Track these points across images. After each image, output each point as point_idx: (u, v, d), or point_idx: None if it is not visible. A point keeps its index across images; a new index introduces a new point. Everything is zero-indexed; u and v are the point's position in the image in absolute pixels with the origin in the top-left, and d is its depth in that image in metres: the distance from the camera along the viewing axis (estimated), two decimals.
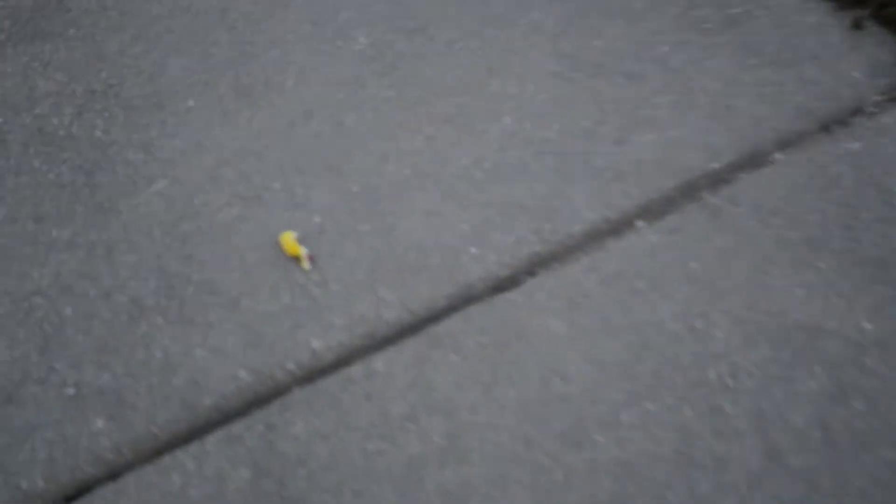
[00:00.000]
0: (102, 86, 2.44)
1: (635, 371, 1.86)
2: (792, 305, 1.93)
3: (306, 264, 2.09)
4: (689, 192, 2.14)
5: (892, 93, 2.24)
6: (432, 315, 2.00)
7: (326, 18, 2.61)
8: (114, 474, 1.81)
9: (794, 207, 2.07)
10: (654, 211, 2.15)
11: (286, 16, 2.61)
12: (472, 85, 2.44)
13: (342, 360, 1.93)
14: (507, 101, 2.39)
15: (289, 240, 2.10)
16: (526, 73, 2.45)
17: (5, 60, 2.45)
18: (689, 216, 2.11)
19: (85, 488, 1.82)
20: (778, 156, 2.22)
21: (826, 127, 2.24)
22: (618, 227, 2.12)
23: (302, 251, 2.08)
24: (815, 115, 2.25)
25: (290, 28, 2.60)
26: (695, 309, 1.95)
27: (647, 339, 1.91)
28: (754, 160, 2.20)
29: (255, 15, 2.62)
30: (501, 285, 2.04)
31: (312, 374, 1.92)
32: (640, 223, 2.13)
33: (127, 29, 2.52)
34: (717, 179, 2.17)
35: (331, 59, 2.53)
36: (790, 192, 2.10)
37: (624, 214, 2.14)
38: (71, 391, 1.92)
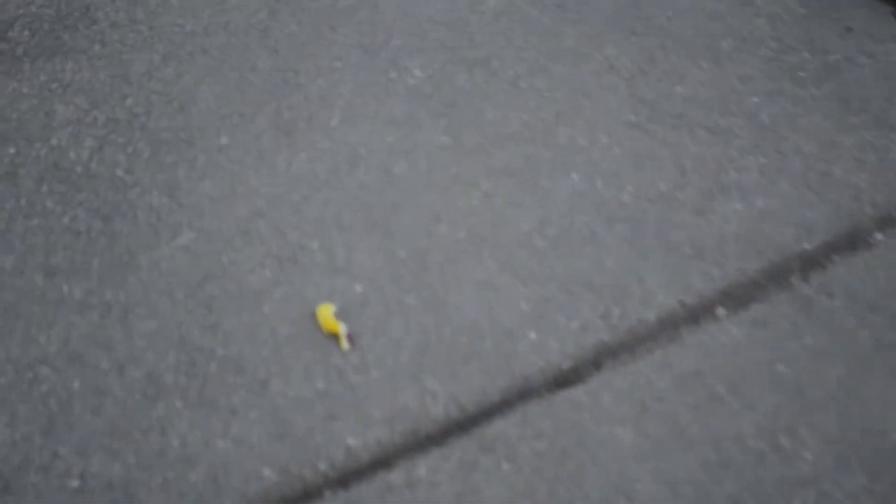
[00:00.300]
0: (127, 114, 2.29)
1: (712, 495, 1.72)
2: (892, 424, 1.76)
3: (345, 344, 1.94)
4: (777, 276, 1.99)
5: None
6: (483, 412, 1.85)
7: (378, 44, 2.46)
8: None
9: None
10: (736, 297, 1.99)
11: (334, 39, 2.46)
12: (538, 132, 2.29)
13: (381, 462, 1.79)
14: (577, 154, 2.24)
15: (326, 314, 1.95)
16: (598, 122, 2.30)
17: (22, 79, 2.28)
18: (777, 307, 1.96)
19: None
20: (878, 236, 2.06)
21: None
22: (695, 315, 1.97)
23: (341, 328, 1.93)
24: None
25: (338, 54, 2.45)
26: (781, 422, 1.80)
27: (726, 456, 1.76)
28: (851, 241, 2.04)
29: (299, 37, 2.48)
30: (563, 379, 1.89)
31: (347, 477, 1.78)
32: (720, 311, 1.97)
33: (157, 47, 2.34)
34: (810, 263, 2.02)
35: (382, 93, 2.38)
36: (892, 283, 1.94)
37: (703, 299, 1.99)
38: (75, 483, 1.79)
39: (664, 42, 2.47)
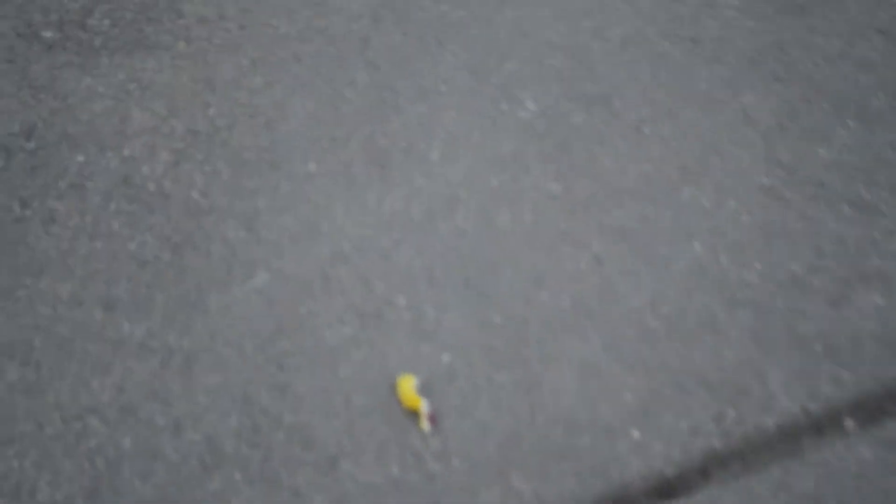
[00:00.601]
0: (209, 126, 2.16)
1: None
2: None
3: (426, 425, 1.80)
4: None
5: None
6: None
7: (489, 67, 2.29)
8: None
9: None
10: (869, 409, 1.82)
11: (441, 57, 2.30)
12: (660, 189, 2.12)
13: None
14: (701, 218, 2.07)
15: (408, 388, 1.82)
16: (728, 182, 2.12)
17: (98, 75, 2.12)
18: None
19: None
20: None
21: None
22: (820, 426, 1.81)
23: (422, 406, 1.80)
24: None
25: (444, 75, 2.28)
26: None
27: None
28: None
29: (402, 50, 2.31)
30: (665, 489, 1.74)
31: None
32: (849, 424, 1.80)
33: (246, 50, 2.17)
34: None
35: (490, 125, 2.21)
36: None
37: (830, 408, 1.82)
38: None
39: (808, 93, 2.28)
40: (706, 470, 1.76)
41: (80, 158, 2.10)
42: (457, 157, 2.15)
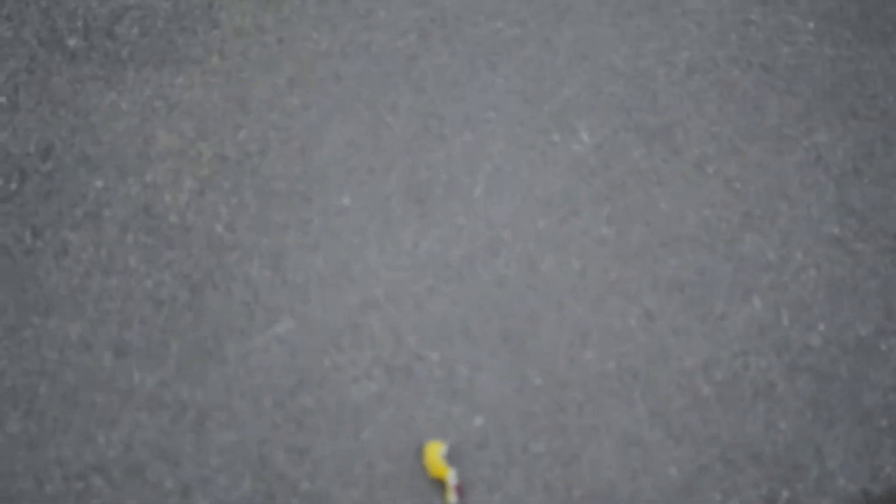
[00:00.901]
0: (238, 152, 2.08)
1: None
2: None
3: (452, 498, 1.73)
4: None
5: None
6: None
7: (544, 93, 2.18)
8: None
9: None
10: None
11: (491, 80, 2.20)
12: (720, 237, 2.01)
13: None
14: (763, 272, 1.97)
15: (435, 456, 1.75)
16: (795, 232, 2.02)
17: (123, 90, 2.01)
18: None
19: None
20: None
21: None
22: None
23: (450, 476, 1.72)
24: None
25: (494, 101, 2.17)
26: None
27: None
28: None
29: (450, 71, 2.20)
30: None
31: None
32: None
33: (283, 67, 2.06)
34: None
35: (539, 159, 2.10)
36: None
37: (893, 492, 1.72)
38: None
39: (888, 133, 2.15)
40: None
41: (99, 184, 2.03)
42: (502, 195, 2.06)
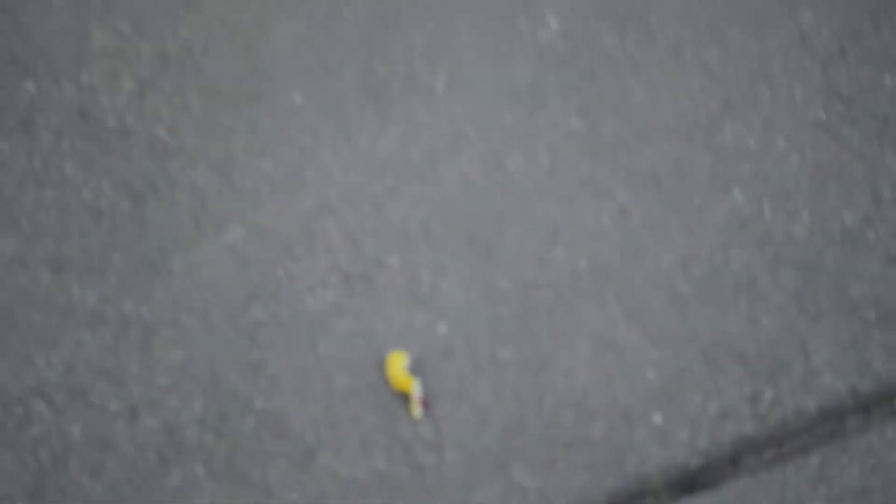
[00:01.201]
0: (179, 49, 1.99)
1: None
2: None
3: (417, 410, 1.67)
4: None
5: None
6: None
7: None
8: None
9: None
10: None
11: None
12: (698, 126, 1.94)
13: None
14: (744, 160, 1.90)
15: (398, 368, 1.69)
16: (777, 117, 1.94)
17: None
18: None
19: None
20: None
21: None
22: (868, 408, 1.69)
23: (414, 388, 1.66)
24: None
25: None
26: None
27: None
28: None
29: None
30: (688, 483, 1.63)
31: None
32: None
33: None
34: None
35: (504, 49, 2.00)
36: None
37: (881, 388, 1.70)
38: None
39: (876, 11, 2.05)
40: (736, 459, 1.65)
41: (31, 87, 1.94)
42: (465, 89, 1.97)
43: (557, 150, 1.91)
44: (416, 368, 1.69)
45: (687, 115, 1.95)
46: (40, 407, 1.67)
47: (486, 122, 1.94)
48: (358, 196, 1.86)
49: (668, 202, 1.86)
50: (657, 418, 1.69)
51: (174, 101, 1.94)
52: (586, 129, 1.94)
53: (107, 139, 1.90)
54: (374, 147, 1.91)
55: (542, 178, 1.89)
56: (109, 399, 1.69)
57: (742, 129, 1.94)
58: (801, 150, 1.92)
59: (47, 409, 1.67)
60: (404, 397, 1.67)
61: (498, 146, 1.91)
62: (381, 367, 1.70)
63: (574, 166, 1.90)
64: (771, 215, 1.85)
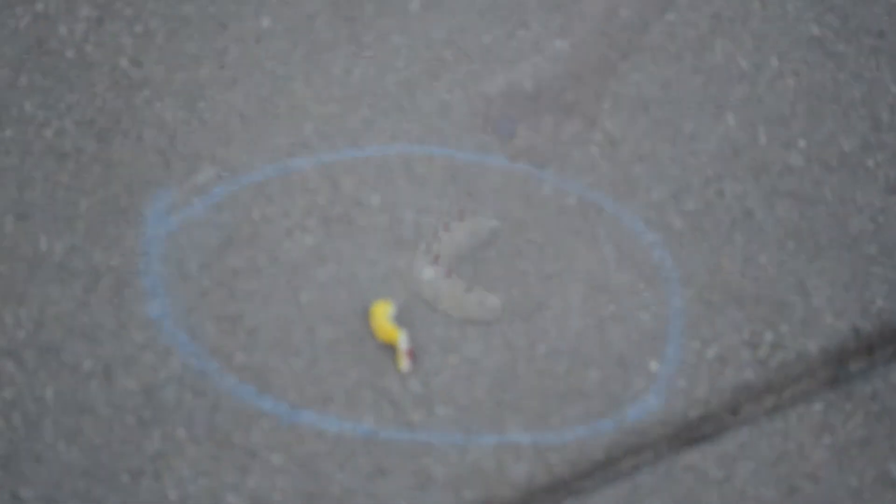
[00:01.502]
0: None
1: None
2: None
3: (404, 363, 1.62)
4: None
5: None
6: (577, 477, 1.56)
7: None
8: None
9: None
10: None
11: None
12: (686, 44, 1.89)
13: None
14: (736, 82, 1.85)
15: (383, 318, 1.64)
16: (769, 34, 1.89)
17: None
18: None
19: None
20: None
21: None
22: (871, 349, 1.66)
23: (400, 340, 1.61)
24: None
25: None
26: None
27: None
28: None
29: None
30: (686, 434, 1.60)
31: None
32: None
33: None
34: None
35: None
36: None
37: (884, 327, 1.67)
38: None
39: None
40: (736, 407, 1.61)
41: None
42: (441, 8, 1.90)
43: (540, 75, 1.85)
44: (402, 318, 1.65)
45: (675, 33, 1.90)
46: (10, 367, 1.62)
47: (464, 44, 1.88)
48: (334, 129, 1.80)
49: (658, 129, 1.81)
50: (653, 365, 1.66)
51: (136, 28, 1.86)
52: (570, 49, 1.88)
53: (67, 72, 1.82)
54: (349, 74, 1.85)
55: (526, 105, 1.81)
56: (83, 358, 1.63)
57: (732, 48, 1.89)
58: (796, 69, 1.87)
59: (17, 369, 1.62)
60: (391, 349, 1.62)
61: (478, 71, 1.86)
62: (364, 315, 1.65)
63: (559, 91, 1.84)
64: (766, 142, 1.81)
